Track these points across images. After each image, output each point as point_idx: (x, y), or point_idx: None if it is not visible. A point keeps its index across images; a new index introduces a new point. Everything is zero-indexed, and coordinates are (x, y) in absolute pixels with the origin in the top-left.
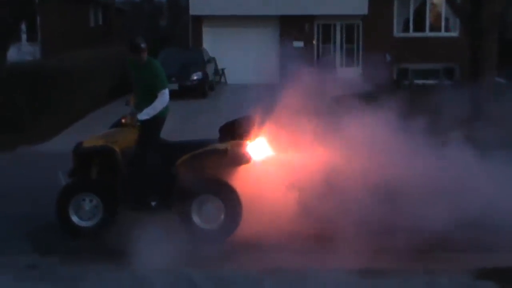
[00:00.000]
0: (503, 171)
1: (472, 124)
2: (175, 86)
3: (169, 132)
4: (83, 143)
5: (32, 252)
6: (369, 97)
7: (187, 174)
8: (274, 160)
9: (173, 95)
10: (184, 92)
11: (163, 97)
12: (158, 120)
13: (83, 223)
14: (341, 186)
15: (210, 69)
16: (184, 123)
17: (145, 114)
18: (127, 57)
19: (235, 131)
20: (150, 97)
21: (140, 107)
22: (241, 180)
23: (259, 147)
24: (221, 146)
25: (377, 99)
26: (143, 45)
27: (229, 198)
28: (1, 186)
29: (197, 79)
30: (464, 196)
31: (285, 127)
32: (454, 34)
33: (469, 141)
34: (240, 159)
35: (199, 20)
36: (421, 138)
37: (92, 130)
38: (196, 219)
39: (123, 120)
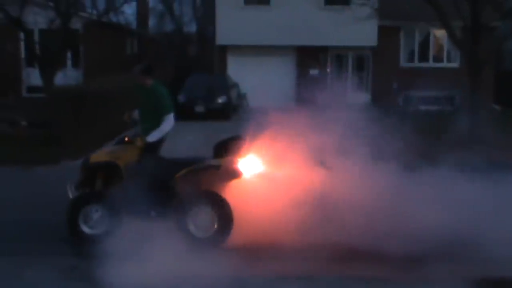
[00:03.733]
0: (498, 191)
1: (469, 147)
2: (201, 108)
3: (196, 148)
4: (90, 158)
5: (72, 254)
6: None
7: (184, 187)
8: (263, 175)
9: (199, 116)
10: (210, 114)
11: (169, 121)
12: (160, 140)
13: (91, 232)
14: (331, 200)
15: (233, 93)
16: (208, 140)
17: (154, 137)
18: (134, 83)
19: (228, 149)
20: (154, 119)
21: (144, 127)
22: (233, 193)
23: (249, 164)
24: (214, 162)
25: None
26: (152, 70)
27: (221, 209)
28: (43, 195)
29: (222, 102)
30: (460, 213)
31: (276, 145)
32: (455, 64)
33: (466, 163)
34: (232, 174)
35: (224, 49)
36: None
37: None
38: (191, 228)
39: (126, 139)
